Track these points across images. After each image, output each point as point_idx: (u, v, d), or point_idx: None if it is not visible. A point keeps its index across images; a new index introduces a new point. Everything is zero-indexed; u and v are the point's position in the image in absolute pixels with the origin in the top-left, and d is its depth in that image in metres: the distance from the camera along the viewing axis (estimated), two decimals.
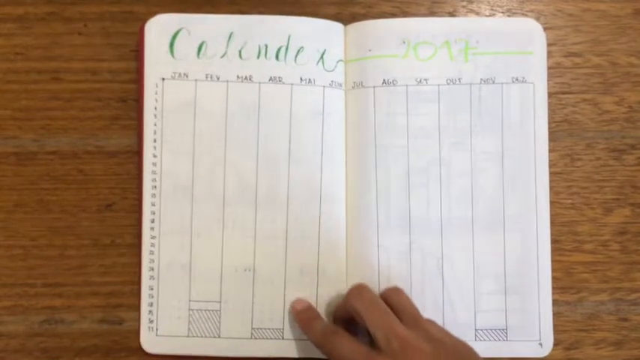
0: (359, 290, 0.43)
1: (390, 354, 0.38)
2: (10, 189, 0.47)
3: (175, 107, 0.46)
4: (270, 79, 0.46)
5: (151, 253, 0.46)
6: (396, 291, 0.44)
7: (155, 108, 0.46)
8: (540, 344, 0.46)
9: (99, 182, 0.47)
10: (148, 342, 0.46)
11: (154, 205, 0.46)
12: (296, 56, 0.46)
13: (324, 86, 0.46)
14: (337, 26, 0.47)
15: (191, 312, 0.46)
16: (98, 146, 0.47)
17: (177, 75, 0.46)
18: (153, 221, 0.46)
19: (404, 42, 0.46)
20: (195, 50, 0.46)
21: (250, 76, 0.46)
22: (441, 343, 0.39)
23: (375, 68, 0.46)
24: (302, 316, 0.45)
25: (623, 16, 0.48)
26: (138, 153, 0.46)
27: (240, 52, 0.46)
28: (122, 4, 0.47)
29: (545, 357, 0.46)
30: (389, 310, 0.41)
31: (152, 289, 0.46)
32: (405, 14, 0.48)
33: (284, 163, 0.46)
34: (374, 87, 0.46)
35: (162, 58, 0.46)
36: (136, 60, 0.47)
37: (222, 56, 0.46)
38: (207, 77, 0.46)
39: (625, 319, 0.47)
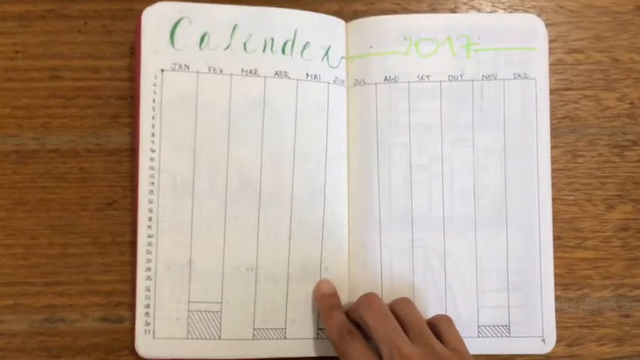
0: (369, 300, 0.42)
1: None
2: (10, 187, 0.46)
3: (175, 100, 0.45)
4: (276, 73, 0.46)
5: (148, 252, 0.44)
6: (405, 302, 0.43)
7: (153, 100, 0.45)
8: (543, 340, 0.46)
9: (99, 180, 0.47)
10: (144, 345, 0.44)
11: (152, 203, 0.45)
12: (302, 51, 0.46)
13: (328, 83, 0.46)
14: (340, 23, 0.47)
15: (190, 313, 0.45)
16: (98, 144, 0.47)
17: (177, 66, 0.45)
18: (150, 219, 0.45)
19: (405, 38, 0.46)
20: (197, 41, 0.45)
21: (256, 69, 0.45)
22: None
23: (376, 65, 0.46)
24: (325, 302, 0.44)
25: (625, 12, 0.48)
26: (135, 145, 0.46)
27: (245, 44, 0.45)
28: (122, 1, 0.47)
29: (548, 353, 0.46)
30: (397, 324, 0.41)
31: (149, 290, 0.44)
32: (406, 11, 0.48)
33: (288, 160, 0.46)
34: (375, 84, 0.46)
35: (162, 48, 0.45)
36: (136, 48, 0.46)
37: (226, 48, 0.45)
38: (209, 69, 0.45)
39: (627, 316, 0.47)
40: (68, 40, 0.47)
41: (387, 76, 0.46)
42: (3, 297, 0.46)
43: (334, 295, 0.45)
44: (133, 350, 0.46)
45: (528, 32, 0.47)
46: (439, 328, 0.42)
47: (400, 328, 0.41)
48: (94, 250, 0.46)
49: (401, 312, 0.42)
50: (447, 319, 0.43)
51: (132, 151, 0.47)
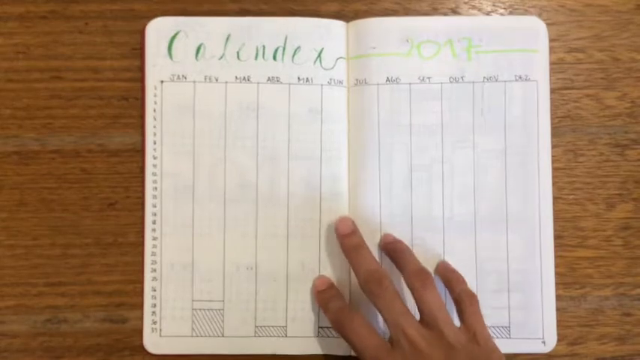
0: (379, 279, 0.41)
1: (401, 354, 0.39)
2: (12, 188, 0.46)
3: (174, 109, 0.46)
4: (269, 79, 0.47)
5: (153, 254, 0.46)
6: (422, 281, 0.42)
7: (154, 110, 0.46)
8: (543, 342, 0.46)
9: (101, 181, 0.47)
10: (152, 343, 0.46)
11: (155, 207, 0.46)
12: (293, 56, 0.47)
13: (322, 85, 0.47)
14: (338, 24, 0.47)
15: (194, 312, 0.46)
16: (100, 145, 0.47)
17: (175, 77, 0.47)
18: (154, 222, 0.46)
19: (407, 40, 0.46)
20: (194, 52, 0.47)
21: (248, 76, 0.47)
22: (455, 351, 0.39)
23: (378, 66, 0.46)
24: (321, 297, 0.45)
25: (625, 11, 0.48)
26: (141, 153, 0.47)
27: (238, 53, 0.47)
28: (123, 2, 0.47)
29: (550, 352, 0.46)
30: (405, 307, 0.41)
31: (155, 290, 0.46)
32: (407, 10, 0.48)
33: (284, 161, 0.46)
34: (377, 84, 0.46)
35: (161, 61, 0.47)
36: (137, 58, 0.47)
37: (221, 58, 0.47)
38: (205, 79, 0.47)
39: (628, 314, 0.47)
40: (69, 40, 0.47)
41: (389, 77, 0.46)
42: (5, 298, 0.46)
43: (330, 288, 0.45)
44: (135, 350, 0.46)
45: (530, 34, 0.47)
46: (461, 306, 0.42)
47: (408, 311, 0.40)
48: (95, 250, 0.46)
49: (416, 291, 0.41)
50: (470, 298, 0.42)
51: (134, 152, 0.47)
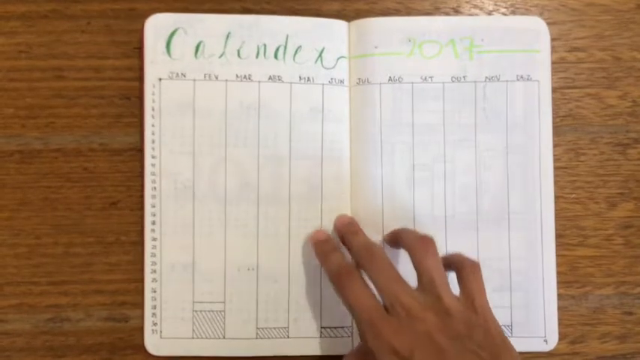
0: (371, 253, 0.41)
1: (396, 319, 0.38)
2: (14, 187, 0.46)
3: (173, 107, 0.46)
4: (270, 77, 0.46)
5: (153, 255, 0.46)
6: (423, 247, 0.41)
7: (153, 109, 0.46)
8: (545, 341, 0.46)
9: (103, 180, 0.47)
10: (153, 345, 0.46)
11: (154, 207, 0.46)
12: (294, 55, 0.46)
13: (323, 84, 0.46)
14: (339, 23, 0.47)
15: (195, 313, 0.46)
16: (102, 144, 0.47)
17: (174, 75, 0.46)
18: (154, 223, 0.46)
19: (409, 40, 0.46)
20: (193, 50, 0.46)
21: (249, 75, 0.46)
22: (451, 317, 0.38)
23: (380, 65, 0.46)
24: (320, 248, 0.44)
25: (627, 10, 0.48)
26: (137, 148, 0.47)
27: (238, 51, 0.46)
28: (124, 1, 0.47)
29: (551, 351, 0.46)
30: (396, 273, 0.39)
31: (155, 291, 0.46)
32: (409, 10, 0.48)
33: (285, 161, 0.46)
34: (380, 84, 0.46)
35: (159, 59, 0.46)
36: (139, 57, 0.47)
37: (221, 56, 0.46)
38: (205, 77, 0.46)
39: (629, 313, 0.47)
40: (71, 39, 0.47)
41: (391, 77, 0.46)
42: (8, 297, 0.46)
43: (328, 240, 0.44)
44: (137, 349, 0.46)
45: (531, 34, 0.47)
46: (462, 273, 0.40)
47: (400, 277, 0.39)
48: (98, 249, 0.46)
49: (416, 253, 0.40)
50: (472, 265, 0.41)
51: (136, 151, 0.47)
